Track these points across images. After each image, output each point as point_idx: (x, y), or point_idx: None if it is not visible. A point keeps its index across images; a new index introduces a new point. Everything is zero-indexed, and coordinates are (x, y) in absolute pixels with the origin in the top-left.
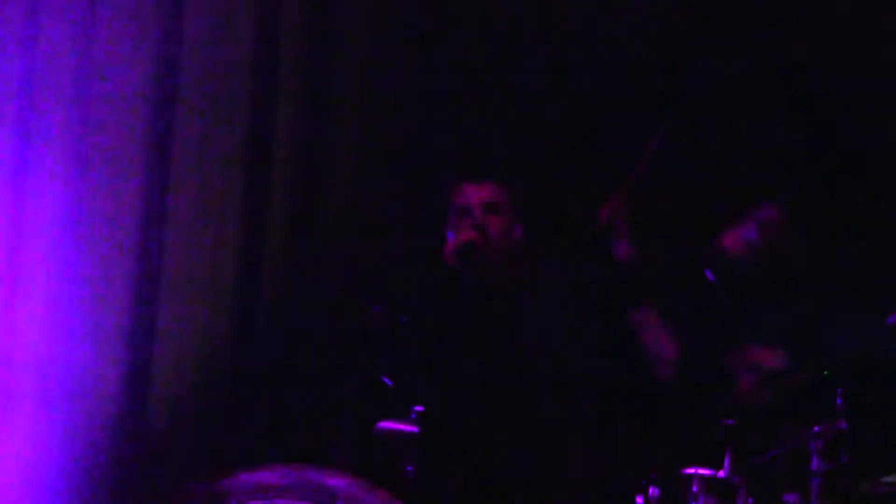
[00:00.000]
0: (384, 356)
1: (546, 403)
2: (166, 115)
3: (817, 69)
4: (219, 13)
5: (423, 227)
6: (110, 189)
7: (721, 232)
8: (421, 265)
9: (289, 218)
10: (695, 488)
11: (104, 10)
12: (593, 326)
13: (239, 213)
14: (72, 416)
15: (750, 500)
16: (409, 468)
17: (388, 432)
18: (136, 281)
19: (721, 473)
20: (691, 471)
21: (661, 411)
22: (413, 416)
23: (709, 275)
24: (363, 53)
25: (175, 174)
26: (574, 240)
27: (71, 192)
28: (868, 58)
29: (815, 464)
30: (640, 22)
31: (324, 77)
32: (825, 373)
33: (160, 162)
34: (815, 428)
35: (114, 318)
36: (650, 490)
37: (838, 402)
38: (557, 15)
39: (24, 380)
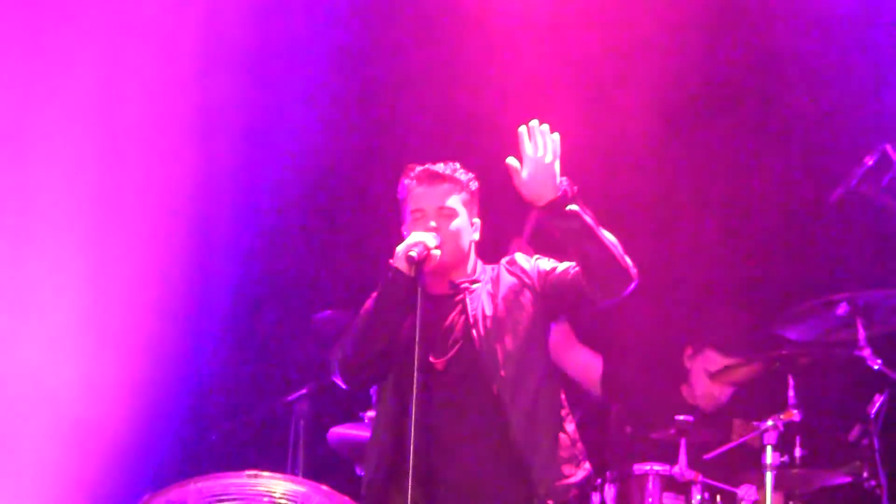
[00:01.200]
0: (335, 360)
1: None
2: None
3: None
4: None
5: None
6: None
7: None
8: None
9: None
10: (650, 485)
11: None
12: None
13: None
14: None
15: (705, 495)
16: (359, 472)
17: (342, 437)
18: None
19: (676, 469)
20: (646, 467)
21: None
22: (365, 420)
23: None
24: None
25: None
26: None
27: None
28: None
29: (770, 457)
30: None
31: None
32: (776, 366)
33: None
34: (768, 422)
35: None
36: (605, 488)
37: (791, 395)
38: None
39: None
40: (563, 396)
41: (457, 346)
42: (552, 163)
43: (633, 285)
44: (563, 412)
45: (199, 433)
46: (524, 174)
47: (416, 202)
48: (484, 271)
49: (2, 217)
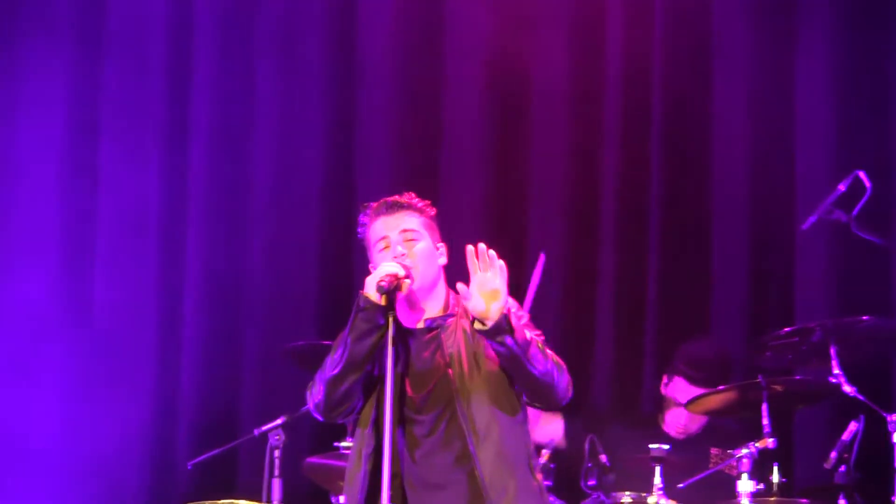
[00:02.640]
0: (310, 404)
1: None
2: None
3: None
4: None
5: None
6: None
7: None
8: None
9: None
10: None
11: None
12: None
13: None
14: None
15: None
16: (332, 499)
17: (317, 467)
18: None
19: (652, 498)
20: (623, 497)
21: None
22: (340, 450)
23: None
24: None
25: None
26: None
27: None
28: None
29: (745, 484)
30: None
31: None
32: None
33: None
34: (743, 449)
35: None
36: None
37: (766, 423)
38: None
39: None
40: (531, 443)
41: (433, 382)
42: (497, 285)
43: (563, 404)
44: (532, 461)
45: (172, 464)
46: (471, 289)
47: (378, 233)
48: (457, 303)
49: None
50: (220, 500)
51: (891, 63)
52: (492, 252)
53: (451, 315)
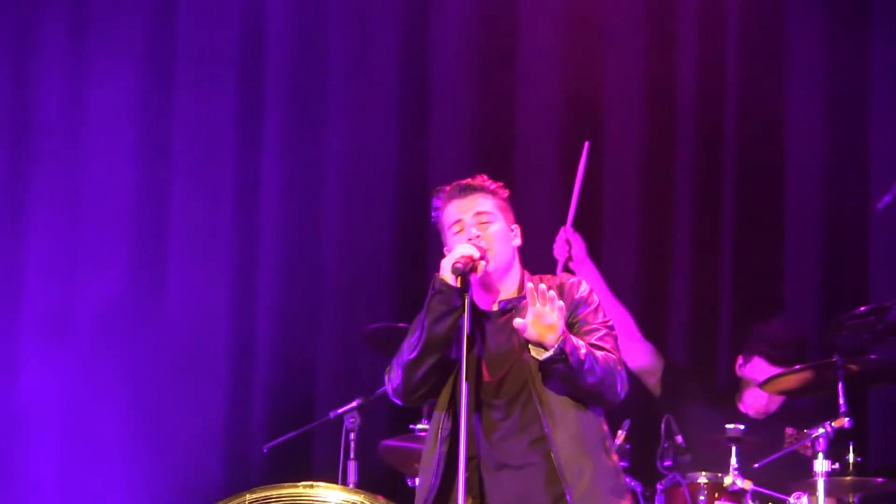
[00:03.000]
0: (389, 388)
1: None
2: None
3: None
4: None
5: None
6: None
7: None
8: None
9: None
10: (702, 494)
11: None
12: None
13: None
14: None
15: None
16: (409, 482)
17: (392, 449)
18: None
19: (728, 478)
20: (698, 477)
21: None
22: (416, 433)
23: None
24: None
25: None
26: None
27: None
28: None
29: (821, 464)
30: None
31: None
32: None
33: None
34: (819, 429)
35: None
36: (656, 499)
37: (842, 402)
38: None
39: None
40: (606, 427)
41: (508, 365)
42: (554, 320)
43: (616, 403)
44: (608, 442)
45: (249, 448)
46: (527, 319)
47: (452, 216)
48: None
49: None
50: (298, 482)
51: None
52: (551, 293)
53: (524, 297)
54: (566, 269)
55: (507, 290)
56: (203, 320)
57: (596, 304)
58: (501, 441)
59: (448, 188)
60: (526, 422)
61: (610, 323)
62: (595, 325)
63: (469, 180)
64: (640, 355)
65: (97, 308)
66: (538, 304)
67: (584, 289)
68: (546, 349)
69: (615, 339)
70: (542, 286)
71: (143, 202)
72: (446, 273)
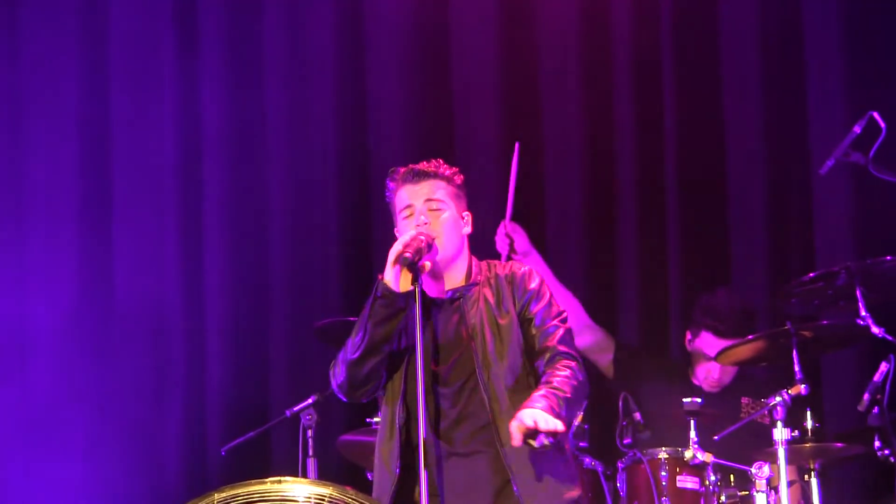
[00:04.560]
0: (333, 385)
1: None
2: None
3: None
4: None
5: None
6: None
7: None
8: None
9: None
10: (663, 469)
11: None
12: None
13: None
14: None
15: (719, 475)
16: (368, 475)
17: (351, 444)
18: None
19: (688, 452)
20: (658, 452)
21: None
22: (373, 426)
23: None
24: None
25: None
26: None
27: None
28: None
29: (781, 432)
30: None
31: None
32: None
33: None
34: (776, 398)
35: None
36: (617, 477)
37: (797, 369)
38: None
39: None
40: None
41: (457, 354)
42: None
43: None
44: None
45: (207, 450)
46: (513, 431)
47: (403, 200)
48: (480, 271)
49: None
50: (265, 478)
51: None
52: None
53: (475, 284)
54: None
55: (456, 279)
56: (153, 323)
57: (549, 297)
58: (449, 429)
59: (402, 170)
60: (473, 409)
61: (564, 316)
62: (551, 324)
63: (424, 165)
64: (589, 339)
65: (48, 318)
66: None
67: (535, 281)
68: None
69: (570, 331)
70: (514, 426)
71: (87, 209)
72: (389, 276)
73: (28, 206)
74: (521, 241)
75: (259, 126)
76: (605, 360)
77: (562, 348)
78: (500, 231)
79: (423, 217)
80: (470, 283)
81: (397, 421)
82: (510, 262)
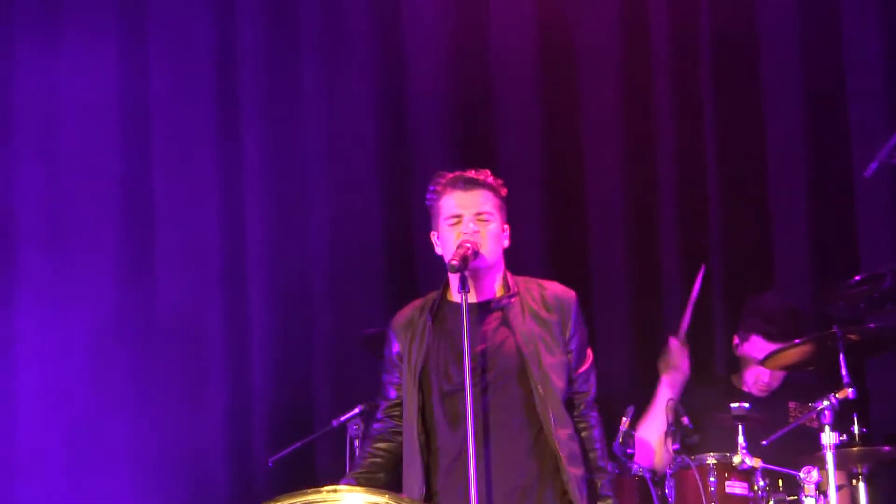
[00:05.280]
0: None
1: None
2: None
3: None
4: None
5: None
6: None
7: None
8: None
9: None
10: (712, 475)
11: None
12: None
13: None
14: None
15: (768, 481)
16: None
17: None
18: None
19: (736, 457)
20: (707, 457)
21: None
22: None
23: None
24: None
25: None
26: None
27: None
28: None
29: (829, 437)
30: None
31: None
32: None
33: None
34: (824, 402)
35: None
36: (666, 482)
37: (844, 373)
38: None
39: None
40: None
41: (502, 361)
42: None
43: None
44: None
45: (253, 461)
46: None
47: (452, 208)
48: (516, 283)
49: None
50: (320, 488)
51: None
52: None
53: (515, 294)
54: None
55: (491, 289)
56: (196, 334)
57: (586, 332)
58: (496, 435)
59: (450, 176)
60: (518, 417)
61: (590, 351)
62: (587, 367)
63: (473, 174)
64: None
65: (91, 325)
66: None
67: (580, 314)
68: None
69: (595, 370)
70: None
71: (129, 218)
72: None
73: (67, 214)
74: (685, 361)
75: (301, 136)
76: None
77: (591, 398)
78: (672, 344)
79: (471, 225)
80: (510, 294)
81: (417, 443)
82: (547, 281)
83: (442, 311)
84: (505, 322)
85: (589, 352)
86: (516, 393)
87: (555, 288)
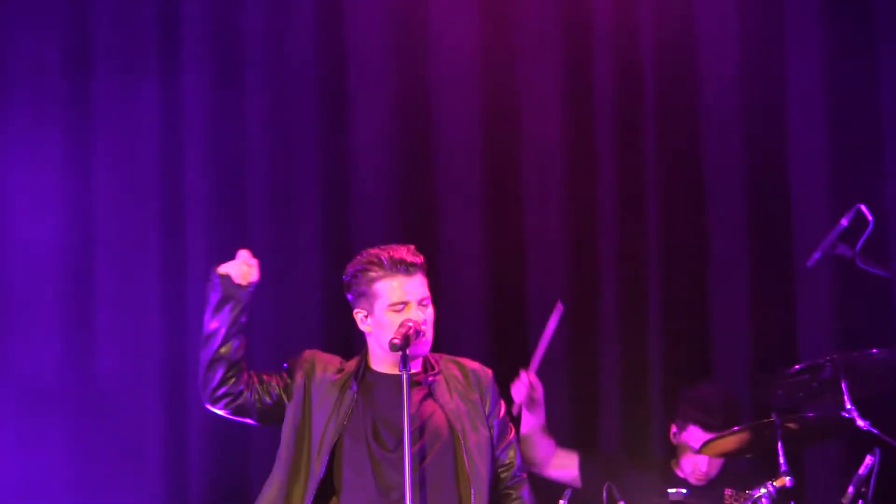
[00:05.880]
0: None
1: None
2: None
3: None
4: None
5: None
6: None
7: None
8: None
9: None
10: None
11: None
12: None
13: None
14: None
15: None
16: None
17: None
18: None
19: None
20: None
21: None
22: None
23: None
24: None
25: None
26: None
27: None
28: None
29: None
30: None
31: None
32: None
33: None
34: (761, 489)
35: None
36: None
37: (782, 461)
38: None
39: None
40: None
41: (431, 438)
42: None
43: None
44: None
45: None
46: None
47: (397, 294)
48: (436, 361)
49: None
50: None
51: (882, 91)
52: None
53: (438, 372)
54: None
55: (417, 364)
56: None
57: (504, 407)
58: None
59: (386, 259)
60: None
61: (512, 426)
62: (510, 440)
63: (411, 257)
64: (557, 466)
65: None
66: None
67: (496, 390)
68: None
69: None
70: None
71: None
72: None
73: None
74: (540, 393)
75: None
76: (569, 476)
77: (519, 471)
78: (522, 379)
79: (420, 314)
80: (434, 371)
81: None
82: (463, 358)
83: (364, 379)
84: (432, 396)
85: (510, 425)
86: (447, 465)
87: (472, 365)
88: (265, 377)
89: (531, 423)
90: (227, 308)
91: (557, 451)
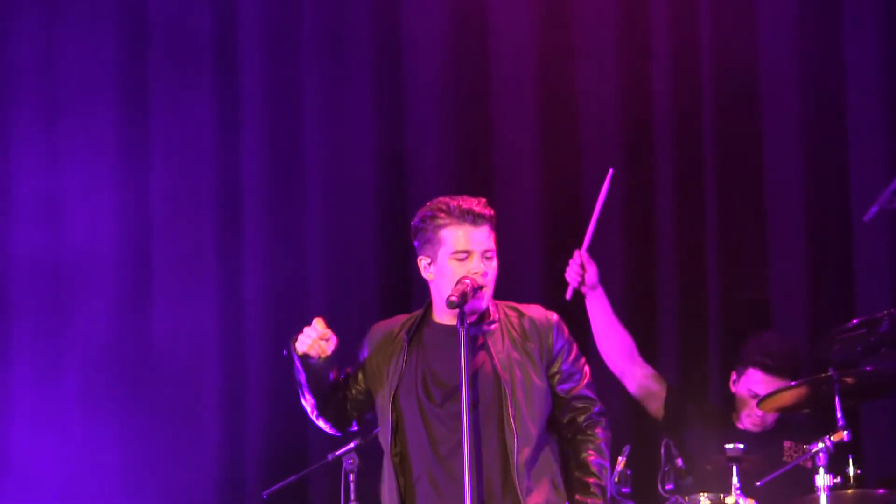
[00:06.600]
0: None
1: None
2: None
3: None
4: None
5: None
6: None
7: None
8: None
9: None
10: None
11: None
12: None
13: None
14: None
15: None
16: None
17: None
18: None
19: (730, 498)
20: (701, 498)
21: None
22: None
23: None
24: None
25: None
26: None
27: None
28: None
29: (823, 479)
30: None
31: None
32: (822, 389)
33: None
34: (819, 444)
35: None
36: None
37: (839, 416)
38: None
39: None
40: (557, 466)
41: (481, 388)
42: None
43: None
44: (556, 478)
45: (245, 494)
46: None
47: (461, 243)
48: (497, 309)
49: None
50: None
51: None
52: None
53: (495, 321)
54: (577, 293)
55: (477, 316)
56: (191, 364)
57: (575, 351)
58: (449, 457)
59: (455, 207)
60: (489, 443)
61: (586, 367)
62: (583, 385)
63: (479, 208)
64: (642, 380)
65: (84, 357)
66: None
67: (561, 336)
68: None
69: (592, 381)
70: None
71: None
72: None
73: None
74: (593, 274)
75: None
76: (655, 405)
77: (596, 415)
78: (575, 261)
79: (482, 265)
80: (490, 320)
81: (391, 464)
82: (526, 306)
83: (420, 332)
84: (485, 347)
85: (585, 369)
86: (493, 417)
87: (532, 312)
88: (349, 370)
89: (592, 309)
90: (317, 381)
91: (645, 366)
